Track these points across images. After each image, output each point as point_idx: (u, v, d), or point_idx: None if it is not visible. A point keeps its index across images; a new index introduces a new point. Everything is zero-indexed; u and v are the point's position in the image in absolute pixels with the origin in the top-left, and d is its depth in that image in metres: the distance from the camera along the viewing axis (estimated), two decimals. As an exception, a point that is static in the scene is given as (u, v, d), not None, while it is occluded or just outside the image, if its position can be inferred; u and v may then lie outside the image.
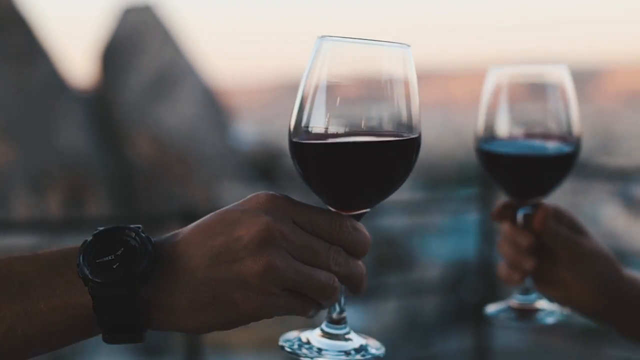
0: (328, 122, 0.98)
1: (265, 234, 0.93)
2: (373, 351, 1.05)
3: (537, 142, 1.32)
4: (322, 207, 1.02)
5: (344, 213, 1.02)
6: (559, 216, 1.40)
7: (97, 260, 0.94)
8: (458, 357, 6.93)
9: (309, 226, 0.97)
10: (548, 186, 1.36)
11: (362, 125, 0.98)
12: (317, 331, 1.06)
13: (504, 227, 1.40)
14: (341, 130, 0.98)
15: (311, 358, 1.02)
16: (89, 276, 0.93)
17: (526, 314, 1.37)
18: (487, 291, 5.50)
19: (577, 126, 1.30)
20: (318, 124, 0.98)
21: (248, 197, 0.99)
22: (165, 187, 19.03)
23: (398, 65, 1.00)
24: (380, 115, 0.99)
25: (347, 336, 1.06)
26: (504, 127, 1.30)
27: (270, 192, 0.99)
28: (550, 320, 1.37)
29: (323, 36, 0.98)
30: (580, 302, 1.40)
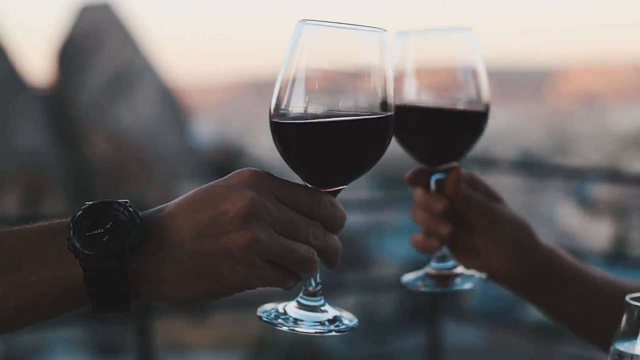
0: (307, 102, 1.03)
1: (250, 209, 0.98)
2: (347, 322, 1.10)
3: (446, 106, 1.31)
4: (301, 184, 1.06)
5: (321, 190, 1.06)
6: (473, 183, 1.40)
7: (88, 234, 0.98)
8: (413, 355, 6.98)
9: (290, 201, 1.02)
10: (459, 150, 1.35)
11: (340, 105, 1.04)
12: (294, 303, 1.11)
13: (417, 193, 1.38)
14: (319, 110, 1.03)
15: (287, 327, 1.08)
16: (80, 249, 0.97)
17: (443, 280, 1.36)
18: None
19: (485, 89, 1.30)
20: (297, 104, 1.03)
21: (231, 173, 1.03)
22: (123, 186, 18.97)
23: (374, 49, 1.05)
24: (357, 96, 1.05)
25: (322, 308, 1.11)
26: (412, 93, 1.31)
27: (253, 169, 1.03)
28: (467, 285, 1.36)
29: (303, 20, 1.04)
30: (496, 269, 1.40)
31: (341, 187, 1.09)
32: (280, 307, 1.12)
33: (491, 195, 1.41)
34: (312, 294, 1.12)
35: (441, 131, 1.31)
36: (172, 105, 21.49)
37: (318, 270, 1.11)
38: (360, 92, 1.05)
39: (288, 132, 1.06)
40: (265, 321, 1.10)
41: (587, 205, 44.35)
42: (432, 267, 1.37)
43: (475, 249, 1.40)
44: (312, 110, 1.03)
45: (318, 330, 1.09)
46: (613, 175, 9.02)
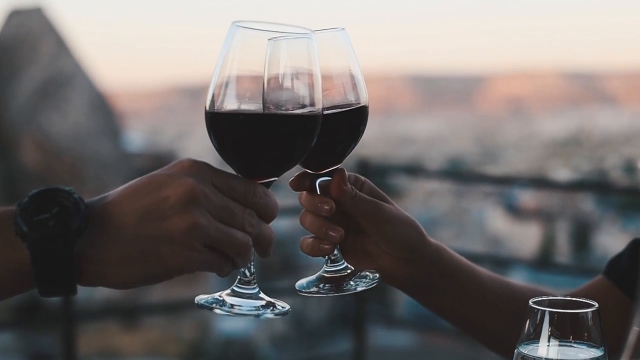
0: (240, 99, 1.12)
1: (190, 195, 1.04)
2: (280, 307, 1.17)
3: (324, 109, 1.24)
4: (237, 175, 1.13)
5: (255, 181, 1.14)
6: (359, 184, 1.37)
7: (34, 219, 1.03)
8: (342, 359, 7.03)
9: (227, 190, 1.08)
10: (339, 153, 1.32)
11: (271, 101, 1.12)
12: (229, 291, 1.18)
13: (303, 198, 1.34)
14: (252, 106, 1.12)
15: (224, 312, 1.15)
16: (27, 232, 1.02)
17: (337, 282, 1.33)
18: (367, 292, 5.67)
19: (362, 90, 1.29)
20: (231, 100, 1.12)
21: (172, 163, 1.09)
22: (53, 192, 18.73)
23: (303, 49, 1.14)
24: (287, 93, 1.13)
25: (257, 296, 1.18)
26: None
27: (193, 159, 1.09)
28: (361, 287, 1.33)
29: (236, 22, 1.13)
30: (387, 270, 1.38)
31: (273, 179, 1.17)
32: (217, 294, 1.17)
33: (378, 196, 1.37)
34: (247, 283, 1.17)
35: (320, 137, 1.21)
36: (105, 111, 21.31)
37: (253, 260, 1.16)
38: (290, 89, 1.13)
39: (223, 126, 1.13)
40: (202, 306, 1.15)
41: (515, 211, 44.85)
42: (325, 270, 1.34)
43: (366, 250, 1.39)
44: (245, 105, 1.12)
45: (253, 314, 1.16)
46: (539, 182, 9.21)
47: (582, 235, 49.70)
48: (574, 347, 1.12)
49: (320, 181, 1.32)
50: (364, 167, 5.41)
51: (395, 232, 1.37)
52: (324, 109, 1.16)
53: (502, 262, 7.37)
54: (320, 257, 1.35)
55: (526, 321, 1.14)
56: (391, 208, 1.37)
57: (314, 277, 1.35)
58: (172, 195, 1.04)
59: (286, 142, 1.13)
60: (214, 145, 1.14)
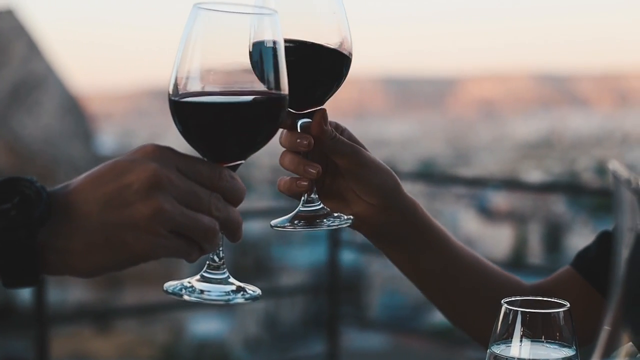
0: (204, 82, 1.10)
1: (154, 180, 1.01)
2: (251, 292, 1.16)
3: (306, 47, 1.30)
4: (203, 159, 1.12)
5: (222, 165, 1.13)
6: (339, 129, 1.39)
7: None
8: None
9: (192, 174, 1.06)
10: (321, 93, 1.34)
11: (235, 84, 1.12)
12: (198, 277, 1.16)
13: (283, 136, 1.35)
14: (216, 89, 1.10)
15: (193, 298, 1.13)
16: None
17: (312, 220, 1.34)
18: (337, 295, 5.67)
19: (347, 34, 1.32)
20: (195, 84, 1.10)
21: (135, 148, 1.07)
22: (25, 196, 18.66)
23: (267, 31, 1.13)
24: (252, 76, 1.13)
25: (226, 281, 1.17)
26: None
27: (156, 144, 1.07)
28: (334, 224, 1.34)
29: (197, 4, 1.12)
30: (360, 215, 1.39)
31: (239, 162, 1.16)
32: (186, 281, 1.15)
33: (357, 143, 1.39)
34: (216, 268, 1.16)
35: (303, 73, 1.28)
36: (76, 114, 21.22)
37: (221, 245, 1.16)
38: (254, 72, 1.13)
39: (186, 111, 1.12)
40: (171, 293, 1.14)
41: (487, 213, 45.02)
42: (300, 210, 1.35)
43: (341, 193, 1.40)
44: (209, 88, 1.10)
45: (224, 299, 1.14)
46: (511, 184, 9.25)
47: (554, 236, 49.93)
48: (546, 346, 1.13)
49: (302, 122, 1.33)
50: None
51: (371, 176, 1.37)
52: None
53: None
54: (290, 198, 1.38)
55: (498, 321, 1.15)
56: (369, 154, 1.38)
57: (289, 215, 1.36)
58: (135, 181, 1.02)
59: (251, 126, 1.13)
60: (179, 131, 1.13)
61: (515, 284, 1.57)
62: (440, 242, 1.48)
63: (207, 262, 1.17)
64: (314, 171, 1.33)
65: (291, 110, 1.32)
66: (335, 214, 1.35)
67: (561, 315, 1.13)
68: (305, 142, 1.33)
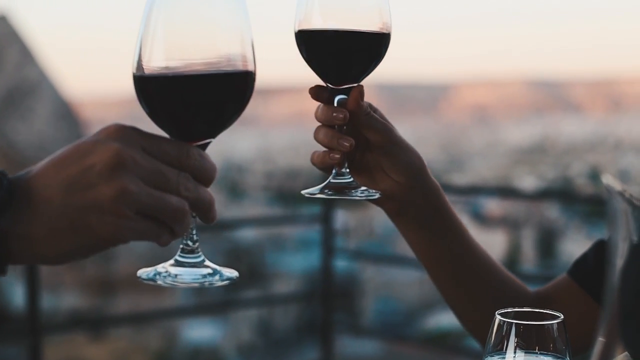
0: (167, 57, 1.07)
1: (117, 160, 0.98)
2: (227, 274, 1.12)
3: (350, 28, 1.37)
4: (169, 138, 1.08)
5: (190, 144, 1.09)
6: (372, 108, 1.42)
7: None
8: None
9: (158, 153, 1.02)
10: (359, 70, 1.39)
11: (200, 60, 1.08)
12: (172, 261, 1.12)
13: (319, 110, 1.40)
14: (180, 64, 1.07)
15: (168, 282, 1.09)
16: None
17: (341, 190, 1.38)
18: (331, 302, 5.68)
19: (386, 15, 1.38)
20: (158, 59, 1.07)
21: (98, 129, 1.03)
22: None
23: (232, 4, 1.09)
24: (217, 50, 1.09)
25: (202, 264, 1.13)
26: (319, 16, 1.37)
27: (119, 123, 1.03)
28: (363, 194, 1.39)
29: None
30: (386, 191, 1.43)
31: (208, 140, 1.12)
32: (160, 266, 1.12)
33: (388, 122, 1.44)
34: (191, 252, 1.13)
35: (342, 52, 1.36)
36: (70, 120, 21.24)
37: (194, 228, 1.12)
38: (219, 46, 1.10)
39: (151, 89, 1.09)
40: (145, 280, 1.11)
41: (481, 219, 45.09)
42: (331, 182, 1.39)
43: (369, 169, 1.43)
44: (173, 64, 1.07)
45: (199, 282, 1.11)
46: (505, 192, 9.27)
47: (547, 242, 50.00)
48: (540, 358, 1.13)
49: (339, 98, 1.37)
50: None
51: (401, 154, 1.42)
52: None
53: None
54: (322, 170, 1.42)
55: (492, 332, 1.15)
56: (399, 134, 1.43)
57: (320, 185, 1.40)
58: (98, 163, 0.98)
59: (217, 102, 1.10)
60: (144, 110, 1.10)
61: (520, 288, 1.59)
62: (459, 230, 1.51)
63: (181, 246, 1.13)
64: (347, 144, 1.37)
65: (329, 85, 1.38)
66: (364, 187, 1.39)
67: (555, 326, 1.13)
68: (341, 116, 1.36)
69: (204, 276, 1.11)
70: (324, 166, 1.41)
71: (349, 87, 1.39)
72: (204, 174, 1.06)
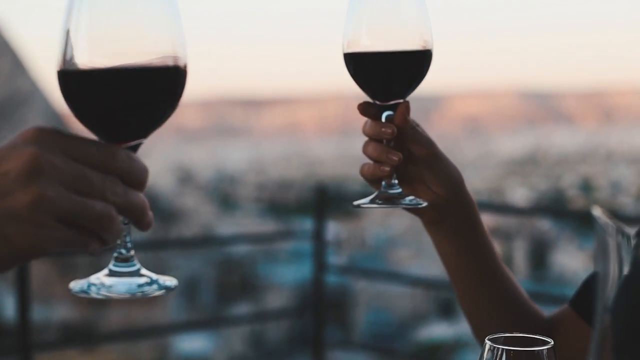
0: (92, 53, 1.00)
1: (34, 165, 0.91)
2: (165, 283, 1.06)
3: (393, 48, 1.44)
4: (95, 140, 1.00)
5: (119, 145, 1.02)
6: (416, 124, 1.48)
7: None
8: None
9: (81, 156, 0.95)
10: (405, 86, 1.46)
11: (127, 54, 1.00)
12: (105, 271, 1.06)
13: (368, 125, 1.46)
14: (105, 60, 0.99)
15: (102, 294, 1.03)
16: None
17: (390, 199, 1.45)
18: (322, 316, 5.68)
19: (428, 35, 1.45)
20: (81, 56, 1.00)
21: (16, 133, 0.97)
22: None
23: None
24: (145, 46, 1.02)
25: (137, 273, 1.06)
26: (366, 38, 1.44)
27: (39, 126, 0.97)
28: (412, 202, 1.45)
29: None
30: (425, 200, 1.47)
31: (139, 141, 1.05)
32: (93, 277, 1.05)
33: (430, 137, 1.49)
34: (125, 260, 1.06)
35: (388, 71, 1.44)
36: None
37: (128, 234, 1.06)
38: (147, 41, 1.02)
39: (74, 86, 1.02)
40: (77, 292, 1.04)
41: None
42: (381, 192, 1.46)
43: (411, 180, 1.48)
44: (97, 60, 1.00)
45: (134, 292, 1.04)
46: (497, 207, 9.27)
47: (539, 253, 50.04)
48: (530, 384, 1.13)
49: (387, 114, 1.44)
50: (322, 192, 5.42)
51: (442, 168, 1.47)
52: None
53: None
54: (371, 184, 1.48)
55: (482, 357, 1.14)
56: (440, 149, 1.48)
57: (371, 196, 1.46)
58: (13, 169, 0.91)
59: (146, 100, 1.02)
60: (70, 109, 1.03)
61: (536, 313, 1.62)
62: (489, 247, 1.56)
63: (114, 255, 1.05)
64: (396, 158, 1.42)
65: (377, 102, 1.45)
66: (411, 197, 1.46)
67: (545, 352, 1.13)
68: (389, 131, 1.42)
69: (140, 286, 1.04)
70: (373, 178, 1.46)
71: (395, 103, 1.45)
72: (134, 177, 0.99)
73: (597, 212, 0.80)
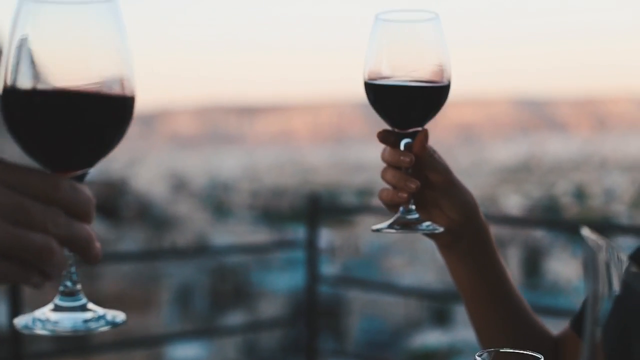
0: (35, 78, 0.94)
1: None
2: (112, 319, 1.02)
3: (414, 79, 1.47)
4: (37, 169, 0.94)
5: (64, 175, 0.97)
6: (433, 151, 1.50)
7: None
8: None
9: (21, 187, 0.90)
10: (423, 115, 1.49)
11: (71, 80, 0.95)
12: (51, 306, 1.02)
13: (387, 152, 1.49)
14: (48, 87, 0.94)
15: (47, 331, 1.00)
16: None
17: (409, 225, 1.48)
18: (315, 326, 5.66)
19: (447, 67, 1.48)
20: (24, 80, 0.94)
21: None
22: None
23: (105, 21, 0.97)
24: (90, 71, 0.96)
25: (84, 307, 1.02)
26: (387, 68, 1.47)
27: None
28: (429, 228, 1.48)
29: None
30: (440, 226, 1.50)
31: (85, 171, 1.01)
32: (38, 312, 1.01)
33: (446, 164, 1.53)
34: (70, 294, 1.01)
35: (408, 102, 1.47)
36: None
37: (73, 267, 1.02)
38: (93, 67, 0.96)
39: (15, 109, 0.96)
40: (22, 329, 1.00)
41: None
42: (399, 217, 1.48)
43: (427, 205, 1.51)
44: (41, 85, 0.94)
45: (80, 329, 1.00)
46: (490, 217, 9.30)
47: (533, 261, 50.12)
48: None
49: (405, 142, 1.47)
50: (315, 202, 5.41)
51: (458, 194, 1.50)
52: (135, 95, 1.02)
53: (453, 289, 7.45)
54: (389, 209, 1.49)
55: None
56: (456, 176, 1.51)
57: (389, 221, 1.48)
58: None
59: (91, 128, 0.96)
60: (11, 134, 0.98)
61: (545, 332, 1.64)
62: (501, 270, 1.58)
63: (60, 288, 1.01)
64: (414, 186, 1.44)
65: (395, 130, 1.48)
66: (428, 222, 1.48)
67: (535, 368, 1.13)
68: (407, 160, 1.44)
69: (86, 321, 1.00)
70: (392, 204, 1.48)
71: (414, 131, 1.48)
72: (78, 209, 0.93)
73: (586, 231, 0.80)
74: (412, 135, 1.48)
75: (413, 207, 1.48)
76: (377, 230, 1.49)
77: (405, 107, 1.48)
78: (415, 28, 1.47)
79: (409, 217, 1.48)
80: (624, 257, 0.79)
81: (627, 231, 5.21)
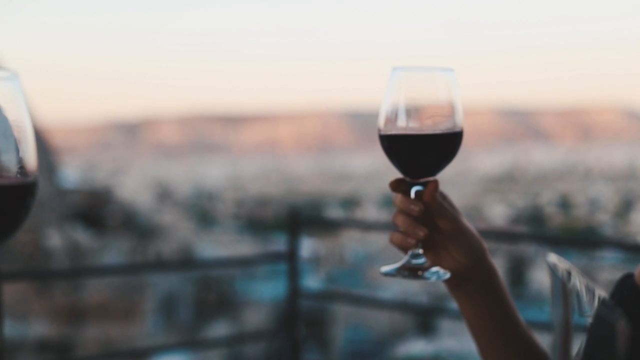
0: None
1: None
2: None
3: (427, 130, 1.56)
4: None
5: None
6: (443, 196, 1.61)
7: None
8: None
9: None
10: (435, 166, 1.57)
11: None
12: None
13: (398, 199, 1.58)
14: None
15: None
16: None
17: (415, 271, 1.56)
18: (297, 338, 5.64)
19: (459, 118, 1.57)
20: None
21: None
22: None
23: (12, 99, 0.96)
24: None
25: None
26: (401, 119, 1.55)
27: None
28: (434, 277, 1.57)
29: None
30: (448, 268, 1.59)
31: None
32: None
33: (455, 209, 1.62)
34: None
35: (420, 154, 1.57)
36: (39, 147, 21.08)
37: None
38: None
39: None
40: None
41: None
42: (407, 262, 1.58)
43: (435, 247, 1.60)
44: None
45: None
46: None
47: (518, 270, 50.14)
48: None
49: (415, 190, 1.57)
50: (295, 215, 5.36)
51: (465, 239, 1.59)
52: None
53: (440, 299, 7.45)
54: (399, 250, 1.59)
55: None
56: (466, 221, 1.61)
57: (398, 264, 1.58)
58: None
59: None
60: None
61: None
62: (509, 309, 1.66)
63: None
64: (422, 234, 1.55)
65: (407, 178, 1.58)
66: (435, 269, 1.58)
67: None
68: (417, 209, 1.55)
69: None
70: (401, 246, 1.58)
71: (425, 181, 1.58)
72: None
73: (552, 259, 0.80)
74: (423, 183, 1.58)
75: (420, 251, 1.58)
76: (386, 274, 1.58)
77: (417, 158, 1.57)
78: (432, 78, 1.56)
79: (416, 261, 1.57)
80: (592, 285, 0.80)
81: (611, 244, 5.20)
